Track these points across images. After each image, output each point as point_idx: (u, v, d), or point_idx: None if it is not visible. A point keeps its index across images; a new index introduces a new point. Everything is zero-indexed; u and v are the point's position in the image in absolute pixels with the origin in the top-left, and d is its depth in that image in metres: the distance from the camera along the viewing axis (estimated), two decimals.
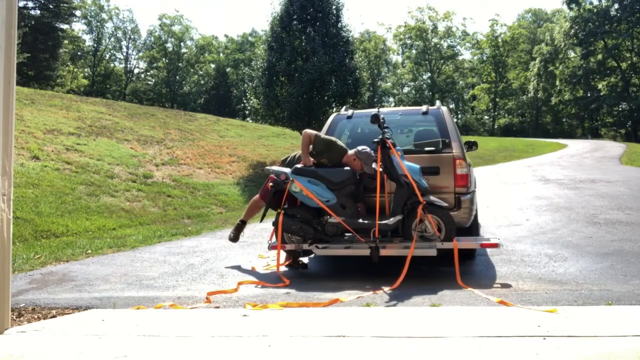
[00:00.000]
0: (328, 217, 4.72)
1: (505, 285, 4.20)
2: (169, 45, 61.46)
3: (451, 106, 63.19)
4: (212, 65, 63.76)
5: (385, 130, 4.71)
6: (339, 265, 5.45)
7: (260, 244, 6.57)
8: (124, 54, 61.31)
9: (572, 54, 52.60)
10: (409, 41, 66.55)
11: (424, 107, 5.70)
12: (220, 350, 2.69)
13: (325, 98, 16.88)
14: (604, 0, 47.74)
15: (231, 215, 10.31)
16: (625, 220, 7.23)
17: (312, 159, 4.93)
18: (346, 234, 4.84)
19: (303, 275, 4.99)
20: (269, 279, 4.68)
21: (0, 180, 3.03)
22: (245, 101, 20.72)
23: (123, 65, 61.58)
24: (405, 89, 68.34)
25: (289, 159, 5.52)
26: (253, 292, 4.27)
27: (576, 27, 47.97)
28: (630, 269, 4.58)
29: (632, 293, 3.79)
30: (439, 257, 4.64)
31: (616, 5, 46.39)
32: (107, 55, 60.68)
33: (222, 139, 19.88)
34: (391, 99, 68.57)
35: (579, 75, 50.15)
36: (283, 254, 5.18)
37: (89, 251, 6.33)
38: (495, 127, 61.43)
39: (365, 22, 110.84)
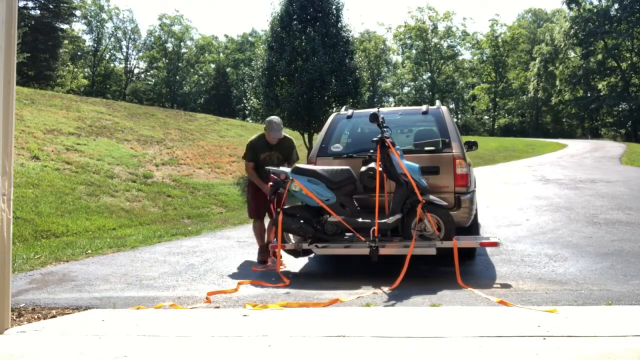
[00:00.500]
0: (328, 216, 4.73)
1: (505, 285, 4.20)
2: (169, 45, 61.47)
3: (451, 106, 63.14)
4: (212, 65, 63.76)
5: (385, 129, 4.72)
6: (339, 265, 5.45)
7: None
8: (124, 54, 61.38)
9: (572, 54, 52.61)
10: (409, 41, 66.56)
11: (423, 107, 5.70)
12: (220, 350, 2.69)
13: (325, 98, 16.86)
14: (604, 0, 47.76)
15: (231, 215, 10.31)
16: (625, 220, 7.23)
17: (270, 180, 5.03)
18: (346, 234, 4.84)
19: (303, 275, 4.99)
20: (269, 279, 4.68)
21: (0, 180, 3.03)
22: (245, 101, 20.72)
23: (123, 65, 61.65)
24: (405, 89, 68.35)
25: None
26: (253, 292, 4.27)
27: (576, 27, 47.98)
28: (630, 269, 4.58)
29: (632, 293, 3.79)
30: (439, 257, 4.64)
31: (616, 5, 46.40)
32: (107, 55, 60.70)
33: (222, 139, 19.88)
34: (391, 99, 68.59)
35: (579, 75, 50.16)
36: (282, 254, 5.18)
37: (89, 251, 6.33)
38: (495, 127, 61.42)
39: (365, 22, 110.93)
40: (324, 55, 16.29)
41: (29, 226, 7.59)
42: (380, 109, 5.31)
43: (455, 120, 14.77)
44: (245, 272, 5.12)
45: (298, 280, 4.66)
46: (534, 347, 2.52)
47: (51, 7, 35.54)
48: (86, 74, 56.81)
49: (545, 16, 64.19)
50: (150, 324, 3.29)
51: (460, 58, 66.22)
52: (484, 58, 64.63)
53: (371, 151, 4.82)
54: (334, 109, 16.35)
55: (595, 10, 48.01)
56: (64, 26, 39.07)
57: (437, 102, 5.98)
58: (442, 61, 64.37)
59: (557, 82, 53.16)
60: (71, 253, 6.17)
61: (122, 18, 59.99)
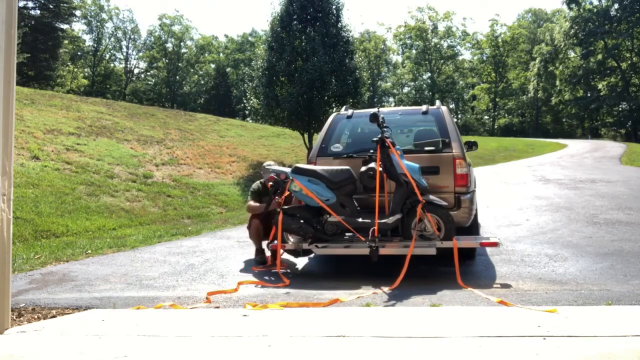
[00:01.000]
0: (328, 216, 4.73)
1: (505, 285, 4.20)
2: (169, 45, 61.44)
3: (451, 106, 63.13)
4: (212, 65, 63.74)
5: (385, 129, 4.72)
6: (339, 265, 5.45)
7: None
8: (124, 54, 61.35)
9: (572, 54, 52.59)
10: (409, 41, 66.53)
11: (423, 107, 5.70)
12: (220, 350, 2.69)
13: (325, 98, 16.87)
14: (604, 0, 47.75)
15: (231, 215, 10.31)
16: (625, 220, 7.23)
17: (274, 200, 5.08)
18: (346, 234, 4.84)
19: (303, 275, 4.99)
20: (269, 279, 4.69)
21: (0, 180, 3.03)
22: (245, 101, 20.70)
23: (123, 65, 61.62)
24: (405, 89, 68.33)
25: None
26: (253, 292, 4.27)
27: (576, 27, 47.96)
28: (630, 269, 4.58)
29: (632, 293, 3.79)
30: (439, 257, 4.64)
31: (616, 5, 46.38)
32: (107, 55, 60.67)
33: (222, 139, 19.89)
34: (391, 99, 68.57)
35: (579, 75, 50.14)
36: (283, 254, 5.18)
37: (89, 251, 6.33)
38: (495, 127, 61.41)
39: (365, 22, 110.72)
40: (324, 55, 16.30)
41: (29, 226, 7.58)
42: (380, 109, 5.31)
43: (455, 120, 14.77)
44: (245, 272, 5.12)
45: (298, 280, 4.66)
46: (534, 347, 2.52)
47: (51, 7, 35.53)
48: (86, 74, 56.79)
49: (545, 16, 64.17)
50: (150, 324, 3.29)
51: (460, 58, 66.24)
52: (484, 58, 64.62)
53: (371, 151, 4.82)
54: (334, 109, 16.36)
55: (595, 10, 47.99)
56: (64, 26, 39.08)
57: (437, 102, 5.98)
58: (442, 61, 64.35)
59: (557, 82, 53.15)
60: (71, 253, 6.17)
61: (122, 18, 60.04)
